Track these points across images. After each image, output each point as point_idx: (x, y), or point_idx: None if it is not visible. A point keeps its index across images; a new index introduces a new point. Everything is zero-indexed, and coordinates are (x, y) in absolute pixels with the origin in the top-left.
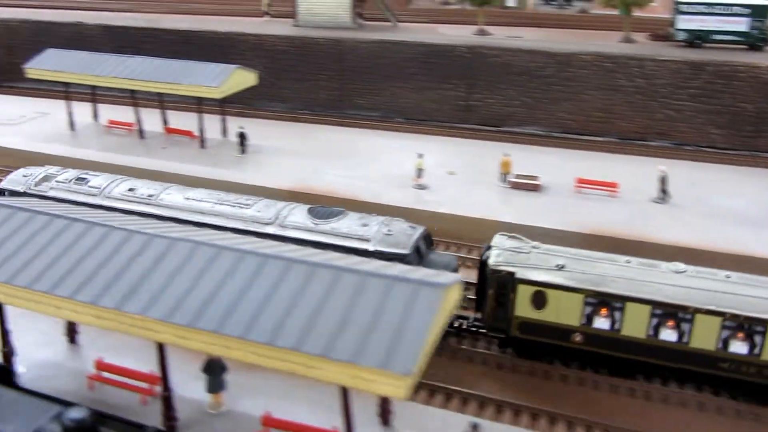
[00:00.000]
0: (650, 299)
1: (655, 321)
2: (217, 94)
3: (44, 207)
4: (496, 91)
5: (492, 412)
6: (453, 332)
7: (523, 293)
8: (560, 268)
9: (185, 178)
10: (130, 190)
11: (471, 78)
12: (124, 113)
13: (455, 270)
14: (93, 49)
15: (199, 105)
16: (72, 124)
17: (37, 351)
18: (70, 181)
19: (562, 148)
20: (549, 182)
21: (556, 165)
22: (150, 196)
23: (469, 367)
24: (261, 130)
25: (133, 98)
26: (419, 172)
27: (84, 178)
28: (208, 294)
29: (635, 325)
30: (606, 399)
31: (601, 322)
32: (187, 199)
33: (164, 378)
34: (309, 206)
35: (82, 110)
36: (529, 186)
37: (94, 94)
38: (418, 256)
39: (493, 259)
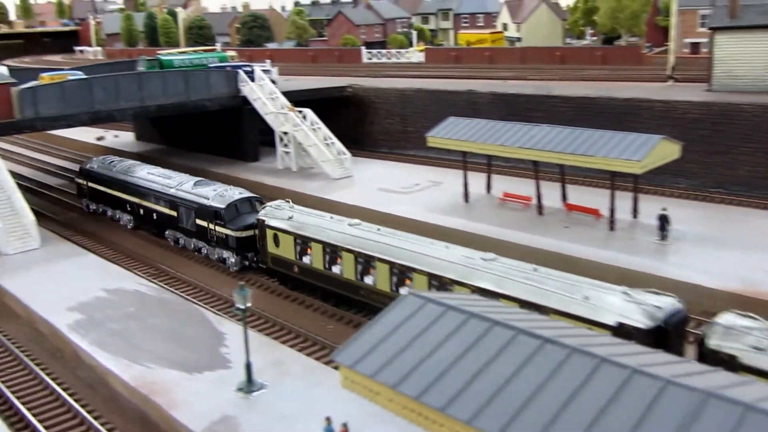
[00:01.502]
0: (322, 240)
1: (327, 257)
2: (638, 169)
3: (499, 313)
4: None
5: None
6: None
7: (270, 235)
8: (289, 218)
9: (595, 266)
10: (129, 167)
11: None
12: (517, 185)
13: (254, 227)
14: (483, 117)
15: (612, 180)
16: (467, 196)
17: None
18: (105, 161)
19: None
20: None
21: None
22: (129, 168)
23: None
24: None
25: (535, 170)
26: None
27: (112, 161)
28: None
29: (318, 259)
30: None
31: (310, 260)
32: (148, 173)
33: None
34: (196, 179)
35: (474, 180)
36: None
37: (489, 164)
38: (235, 211)
39: (261, 213)
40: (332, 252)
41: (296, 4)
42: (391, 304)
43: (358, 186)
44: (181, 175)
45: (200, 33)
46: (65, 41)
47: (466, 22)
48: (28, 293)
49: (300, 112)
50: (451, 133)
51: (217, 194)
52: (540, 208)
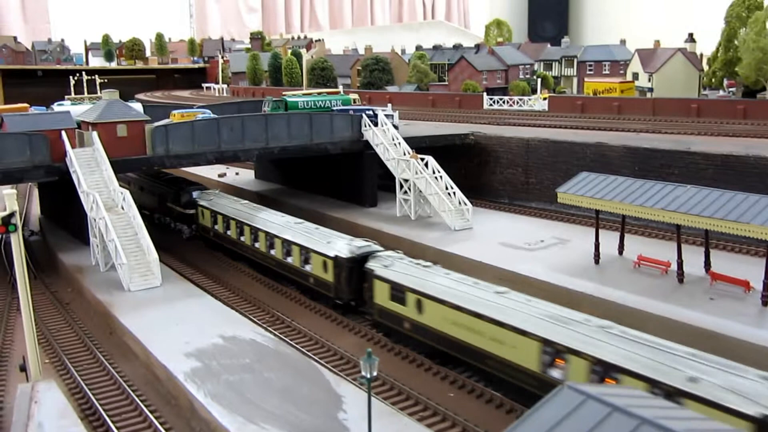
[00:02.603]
0: (222, 213)
1: (225, 224)
2: None
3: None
4: None
5: None
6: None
7: (199, 211)
8: (210, 200)
9: (753, 349)
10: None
11: None
12: (651, 247)
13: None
14: (613, 172)
15: (767, 251)
16: (597, 257)
17: None
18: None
19: None
20: None
21: None
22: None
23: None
24: None
25: (677, 234)
26: None
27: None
28: None
29: (221, 226)
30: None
31: (218, 227)
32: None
33: None
34: (197, 189)
35: (605, 240)
36: None
37: (622, 224)
38: (188, 196)
39: (196, 196)
40: (227, 221)
41: (418, 48)
42: (545, 398)
43: (478, 239)
44: (169, 175)
45: (322, 74)
46: (193, 77)
47: (591, 70)
48: (147, 334)
49: (422, 159)
50: (583, 189)
51: (178, 186)
52: (681, 275)
